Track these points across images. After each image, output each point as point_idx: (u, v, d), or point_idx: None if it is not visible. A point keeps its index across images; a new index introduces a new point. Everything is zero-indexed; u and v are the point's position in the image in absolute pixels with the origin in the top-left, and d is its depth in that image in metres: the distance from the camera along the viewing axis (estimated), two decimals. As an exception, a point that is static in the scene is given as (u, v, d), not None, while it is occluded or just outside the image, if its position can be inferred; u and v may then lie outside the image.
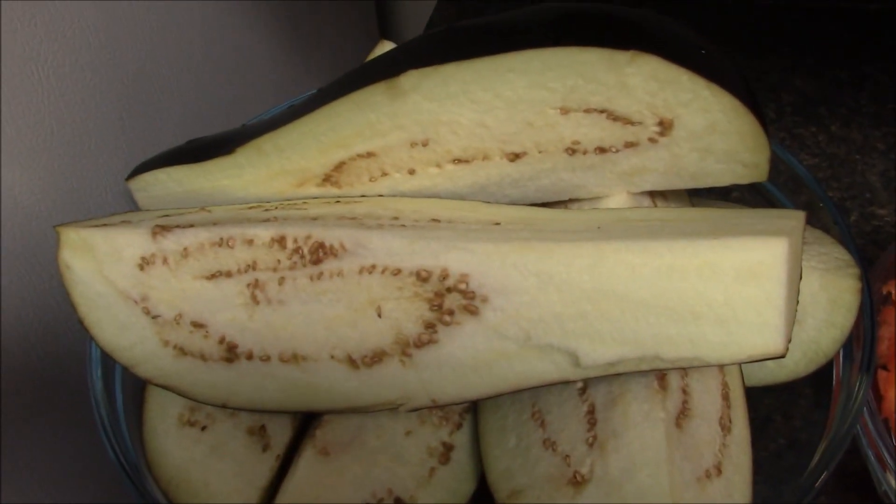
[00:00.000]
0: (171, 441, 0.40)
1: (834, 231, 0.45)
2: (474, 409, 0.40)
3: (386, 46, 0.48)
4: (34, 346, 0.52)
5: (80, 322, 0.38)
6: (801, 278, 0.35)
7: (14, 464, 0.53)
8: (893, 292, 0.50)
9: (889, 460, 0.43)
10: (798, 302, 0.35)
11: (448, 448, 0.39)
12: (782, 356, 0.32)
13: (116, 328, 0.38)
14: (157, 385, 0.38)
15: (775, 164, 0.47)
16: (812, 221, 0.46)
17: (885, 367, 0.50)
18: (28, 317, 0.52)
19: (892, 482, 0.43)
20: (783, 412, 0.49)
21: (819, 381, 0.43)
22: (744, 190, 0.50)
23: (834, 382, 0.43)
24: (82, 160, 0.53)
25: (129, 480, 0.38)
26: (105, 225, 0.38)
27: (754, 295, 0.32)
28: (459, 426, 0.40)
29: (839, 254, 0.43)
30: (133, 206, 0.43)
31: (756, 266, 0.32)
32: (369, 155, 0.40)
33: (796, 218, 0.35)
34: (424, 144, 0.39)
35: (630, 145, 0.38)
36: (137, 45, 0.57)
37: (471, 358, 0.35)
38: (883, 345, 0.50)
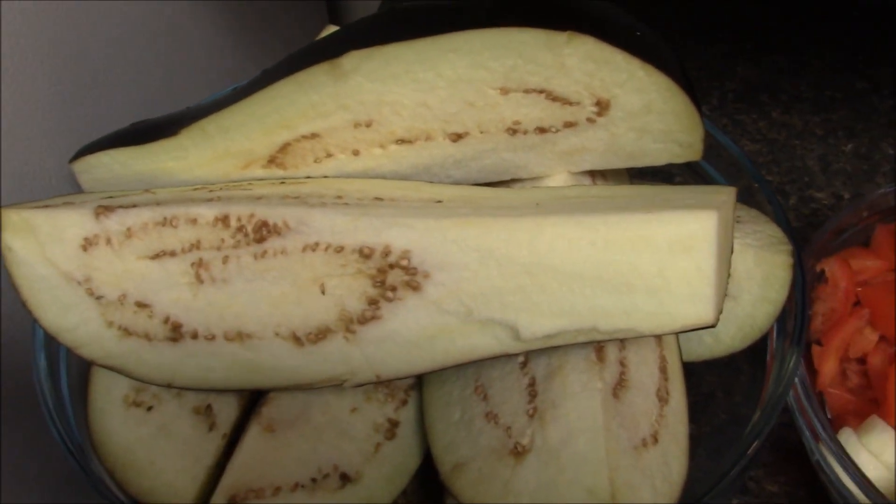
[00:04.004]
0: (116, 422, 0.40)
1: (769, 211, 0.46)
2: (419, 385, 0.41)
3: (332, 31, 0.49)
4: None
5: (24, 304, 0.38)
6: (732, 252, 0.36)
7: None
8: (827, 270, 0.52)
9: (821, 431, 0.45)
10: (730, 275, 0.36)
11: (394, 424, 0.40)
12: (713, 326, 0.33)
13: (60, 309, 0.38)
14: (102, 366, 0.38)
15: (717, 148, 0.48)
16: (749, 202, 0.47)
17: (819, 343, 0.52)
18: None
19: (824, 451, 0.44)
20: (724, 388, 0.51)
21: (758, 359, 0.45)
22: (686, 175, 0.51)
23: (768, 356, 0.44)
24: (25, 144, 0.52)
25: (75, 461, 0.38)
26: (47, 206, 0.38)
27: (686, 266, 0.33)
28: (405, 402, 0.41)
29: (773, 231, 0.44)
30: (77, 190, 0.43)
31: (687, 238, 0.33)
32: (313, 136, 0.40)
33: (727, 193, 0.36)
34: (368, 125, 0.39)
35: (569, 125, 0.39)
36: (79, 27, 0.57)
37: (414, 333, 0.36)
38: (817, 320, 0.52)
